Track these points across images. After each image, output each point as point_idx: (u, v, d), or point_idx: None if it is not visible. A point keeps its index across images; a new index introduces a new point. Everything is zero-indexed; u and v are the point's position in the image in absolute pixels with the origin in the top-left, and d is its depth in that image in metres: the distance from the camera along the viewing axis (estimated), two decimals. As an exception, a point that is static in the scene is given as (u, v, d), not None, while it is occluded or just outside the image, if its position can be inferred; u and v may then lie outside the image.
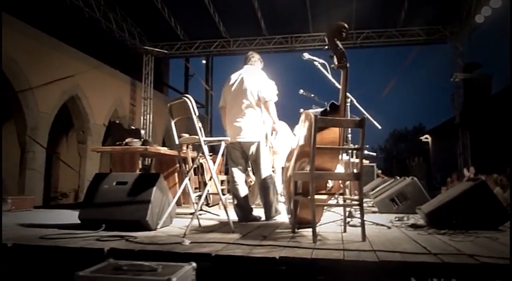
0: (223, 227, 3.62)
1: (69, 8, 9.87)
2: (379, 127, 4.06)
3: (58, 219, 4.15)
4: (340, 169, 3.81)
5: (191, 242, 2.63)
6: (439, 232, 3.16)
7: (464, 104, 10.61)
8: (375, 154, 7.90)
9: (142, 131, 5.03)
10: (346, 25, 2.85)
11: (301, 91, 5.44)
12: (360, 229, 3.41)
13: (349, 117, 3.71)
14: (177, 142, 3.50)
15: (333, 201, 3.99)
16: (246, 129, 4.08)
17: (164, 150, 5.24)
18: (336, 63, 2.91)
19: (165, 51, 13.03)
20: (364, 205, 2.94)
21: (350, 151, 7.40)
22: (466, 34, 11.22)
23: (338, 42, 2.88)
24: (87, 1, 10.00)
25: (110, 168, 7.29)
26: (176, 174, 6.05)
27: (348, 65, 2.91)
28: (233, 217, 4.12)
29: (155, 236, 2.98)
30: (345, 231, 3.26)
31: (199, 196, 3.43)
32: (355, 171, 8.97)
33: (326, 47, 2.89)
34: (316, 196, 3.33)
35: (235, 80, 4.23)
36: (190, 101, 3.15)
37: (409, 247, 2.56)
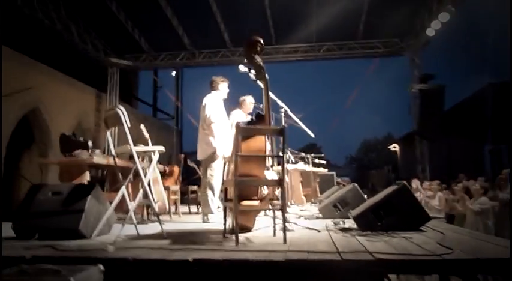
0: (159, 234, 3.67)
1: (28, 19, 9.82)
2: (313, 136, 4.24)
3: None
4: (272, 175, 3.95)
5: (117, 248, 2.71)
6: (362, 233, 3.34)
7: (421, 114, 11.03)
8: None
9: (90, 143, 5.06)
10: (260, 40, 3.02)
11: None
12: (291, 232, 3.59)
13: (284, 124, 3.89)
14: (113, 152, 3.58)
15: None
16: (199, 148, 5.04)
17: (121, 163, 5.28)
18: (255, 75, 3.07)
19: (130, 64, 13.07)
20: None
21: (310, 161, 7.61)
22: (421, 47, 11.71)
23: (255, 56, 3.05)
24: (47, 13, 9.97)
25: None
26: (130, 184, 6.07)
27: (267, 77, 3.08)
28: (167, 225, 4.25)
29: (84, 243, 3.03)
30: (274, 235, 3.39)
31: (148, 205, 3.51)
32: (318, 180, 9.13)
33: (245, 61, 3.05)
34: (248, 202, 3.48)
35: (202, 106, 5.03)
36: (122, 112, 3.25)
37: (322, 247, 2.71)
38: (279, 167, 5.89)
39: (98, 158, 4.88)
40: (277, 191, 4.05)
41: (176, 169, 6.91)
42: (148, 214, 5.09)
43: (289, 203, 6.67)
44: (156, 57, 13.12)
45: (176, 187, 6.21)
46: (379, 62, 13.74)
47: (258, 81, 3.09)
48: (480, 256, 2.30)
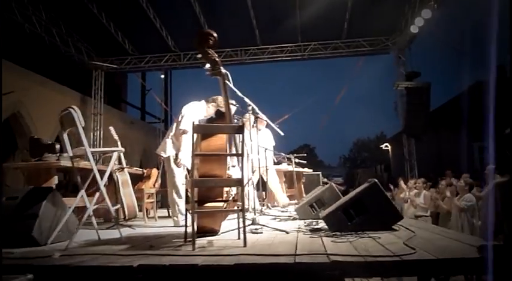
0: (119, 239, 3.52)
1: (7, 23, 9.64)
2: (282, 134, 4.10)
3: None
4: (238, 174, 3.80)
5: (62, 255, 2.56)
6: (330, 234, 3.21)
7: (407, 112, 10.94)
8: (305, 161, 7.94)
9: (58, 146, 4.89)
10: (212, 32, 2.88)
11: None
12: (259, 235, 3.45)
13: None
14: (70, 154, 3.43)
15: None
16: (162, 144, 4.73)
17: (84, 164, 5.12)
18: (210, 70, 2.93)
19: (115, 66, 12.90)
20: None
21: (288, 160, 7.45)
22: (406, 44, 11.63)
23: (208, 50, 2.91)
24: (27, 16, 9.80)
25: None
26: (105, 189, 5.90)
27: (223, 71, 2.94)
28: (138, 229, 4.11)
29: (32, 251, 2.88)
30: (239, 238, 3.25)
31: (117, 209, 3.36)
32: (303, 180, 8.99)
33: (199, 56, 2.91)
34: (213, 204, 3.34)
35: (180, 114, 4.63)
36: (76, 112, 3.10)
37: (282, 249, 2.57)
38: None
39: (66, 162, 4.70)
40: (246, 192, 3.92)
41: (155, 172, 6.74)
42: (122, 218, 4.92)
43: (269, 204, 6.53)
44: (141, 60, 12.95)
45: (152, 190, 6.05)
46: (368, 60, 13.64)
47: (214, 76, 2.94)
48: (444, 256, 2.17)
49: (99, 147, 12.61)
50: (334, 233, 3.22)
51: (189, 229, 3.76)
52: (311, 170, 9.17)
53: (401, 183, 9.17)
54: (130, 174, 7.28)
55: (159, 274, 2.22)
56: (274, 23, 11.33)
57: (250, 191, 4.58)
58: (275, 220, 4.87)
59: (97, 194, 3.31)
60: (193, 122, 2.75)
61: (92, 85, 13.12)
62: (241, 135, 2.82)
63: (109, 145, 13.46)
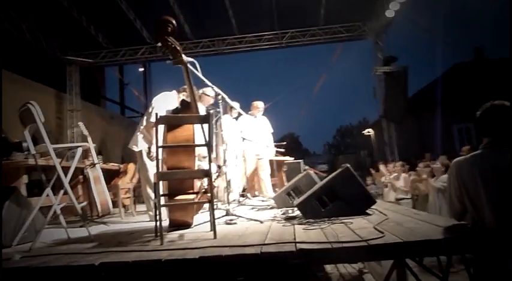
0: (88, 237, 3.42)
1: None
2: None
3: None
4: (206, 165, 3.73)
5: (22, 257, 2.47)
6: (303, 222, 3.18)
7: (386, 96, 10.98)
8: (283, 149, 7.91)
9: (25, 144, 4.73)
10: (171, 19, 2.78)
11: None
12: (233, 226, 3.41)
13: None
14: (33, 151, 3.31)
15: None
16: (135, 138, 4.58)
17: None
18: (172, 59, 2.84)
19: (90, 61, 12.59)
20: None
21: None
22: (383, 29, 11.62)
23: (168, 38, 2.81)
24: (-8, 12, 9.46)
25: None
26: (80, 186, 5.78)
27: (185, 59, 2.85)
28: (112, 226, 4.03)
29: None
30: (211, 230, 3.19)
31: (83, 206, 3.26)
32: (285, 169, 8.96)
33: (159, 44, 2.81)
34: (184, 196, 3.27)
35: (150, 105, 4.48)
36: (35, 108, 2.98)
37: (252, 239, 2.53)
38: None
39: (34, 160, 4.56)
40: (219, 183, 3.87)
41: (131, 167, 6.62)
42: (95, 215, 4.81)
43: (249, 195, 6.49)
44: (116, 54, 12.67)
45: (128, 185, 5.94)
46: (349, 45, 13.58)
47: (176, 65, 2.84)
48: (410, 238, 2.15)
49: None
50: (307, 221, 3.19)
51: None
52: (292, 158, 9.14)
53: (381, 167, 9.23)
54: (106, 170, 7.17)
55: (122, 271, 2.16)
56: (250, 12, 11.19)
57: (224, 182, 4.49)
58: (253, 210, 4.84)
59: (61, 191, 3.19)
60: (157, 114, 2.66)
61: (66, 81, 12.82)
62: (207, 125, 2.74)
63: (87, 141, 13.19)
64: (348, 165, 3.48)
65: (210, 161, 2.79)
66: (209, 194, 3.00)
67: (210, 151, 2.78)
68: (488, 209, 2.10)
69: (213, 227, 2.74)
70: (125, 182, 6.22)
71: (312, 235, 2.56)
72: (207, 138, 2.85)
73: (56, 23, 11.08)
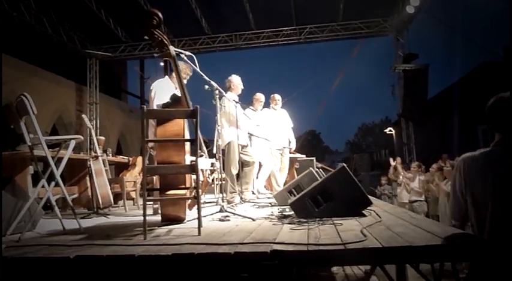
0: (78, 230, 3.42)
1: (-5, 13, 9.54)
2: (250, 119, 3.98)
3: None
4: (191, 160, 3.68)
5: (6, 247, 2.50)
6: (294, 221, 3.11)
7: (405, 95, 10.70)
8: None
9: (31, 136, 4.82)
10: (156, 11, 2.73)
11: (206, 87, 5.34)
12: (225, 222, 3.37)
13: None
14: (28, 143, 3.35)
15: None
16: None
17: (61, 153, 5.06)
18: (159, 53, 2.80)
19: (110, 54, 12.79)
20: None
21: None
22: (404, 25, 11.32)
23: (154, 31, 2.77)
24: (15, 5, 9.68)
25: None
26: (88, 178, 5.86)
27: (172, 52, 2.81)
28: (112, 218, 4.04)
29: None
30: (201, 226, 3.16)
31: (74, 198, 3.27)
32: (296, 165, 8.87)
33: (146, 37, 2.78)
34: (175, 191, 3.25)
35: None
36: (28, 100, 3.01)
37: (234, 238, 2.47)
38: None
39: (39, 151, 4.64)
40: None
41: (140, 160, 6.67)
42: (97, 207, 4.85)
43: (253, 191, 6.43)
44: (135, 47, 12.82)
45: (133, 178, 5.98)
46: (370, 41, 13.31)
47: (164, 58, 2.81)
48: (392, 244, 2.06)
49: (97, 136, 12.59)
50: (298, 220, 3.12)
51: (155, 218, 3.73)
52: (304, 156, 9.04)
53: (398, 166, 9.00)
54: (116, 162, 7.26)
55: (97, 264, 2.15)
56: (267, 7, 11.10)
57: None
58: (253, 207, 4.79)
59: (52, 183, 3.22)
60: (143, 107, 2.64)
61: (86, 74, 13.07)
62: (195, 120, 2.70)
63: (106, 133, 13.44)
64: (344, 164, 3.39)
65: (197, 156, 2.75)
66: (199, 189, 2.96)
67: (197, 146, 2.74)
68: (493, 211, 1.98)
69: (198, 224, 2.70)
70: (133, 175, 6.28)
71: (295, 235, 2.49)
72: (196, 134, 2.81)
73: (76, 17, 11.30)
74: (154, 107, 4.11)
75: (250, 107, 6.44)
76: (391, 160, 9.16)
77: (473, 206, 2.14)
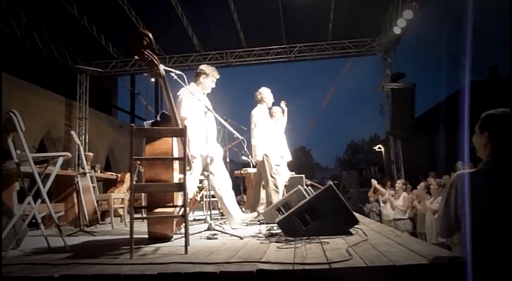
0: (63, 248, 3.37)
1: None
2: (241, 138, 4.01)
3: None
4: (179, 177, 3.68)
5: (-10, 266, 2.47)
6: (281, 240, 3.12)
7: (393, 113, 10.87)
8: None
9: (18, 151, 4.78)
10: (147, 33, 2.79)
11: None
12: (213, 241, 3.37)
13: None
14: (15, 159, 3.34)
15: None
16: None
17: (49, 169, 5.02)
18: (149, 72, 2.85)
19: (100, 70, 12.81)
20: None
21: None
22: (391, 45, 11.57)
23: (145, 51, 2.82)
24: (6, 20, 9.70)
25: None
26: (75, 195, 5.81)
27: (162, 72, 2.86)
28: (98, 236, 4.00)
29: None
30: (188, 244, 3.15)
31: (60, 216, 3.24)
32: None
33: (136, 57, 2.83)
34: (163, 209, 3.25)
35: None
36: (16, 116, 3.02)
37: (221, 257, 2.48)
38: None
39: (26, 167, 4.60)
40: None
41: (129, 177, 6.64)
42: (84, 224, 4.80)
43: (243, 208, 6.43)
44: (126, 63, 12.86)
45: (121, 195, 5.95)
46: (359, 60, 13.54)
47: (154, 77, 2.85)
48: (375, 263, 2.09)
49: (85, 152, 12.50)
50: (285, 239, 3.13)
51: (142, 236, 3.70)
52: (293, 173, 9.07)
53: (375, 184, 9.09)
54: (105, 179, 7.22)
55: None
56: (258, 26, 11.29)
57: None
58: (242, 224, 4.78)
59: (38, 200, 3.20)
60: (132, 126, 2.66)
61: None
62: (182, 138, 2.73)
63: (96, 149, 13.35)
64: (331, 183, 3.43)
65: (184, 174, 2.77)
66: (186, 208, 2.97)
67: (185, 165, 2.76)
68: (485, 229, 1.99)
69: (185, 242, 2.70)
70: (121, 192, 6.24)
71: (282, 254, 2.51)
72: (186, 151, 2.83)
73: (67, 32, 11.34)
74: (182, 114, 3.88)
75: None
76: (372, 180, 9.25)
77: (466, 223, 2.15)
